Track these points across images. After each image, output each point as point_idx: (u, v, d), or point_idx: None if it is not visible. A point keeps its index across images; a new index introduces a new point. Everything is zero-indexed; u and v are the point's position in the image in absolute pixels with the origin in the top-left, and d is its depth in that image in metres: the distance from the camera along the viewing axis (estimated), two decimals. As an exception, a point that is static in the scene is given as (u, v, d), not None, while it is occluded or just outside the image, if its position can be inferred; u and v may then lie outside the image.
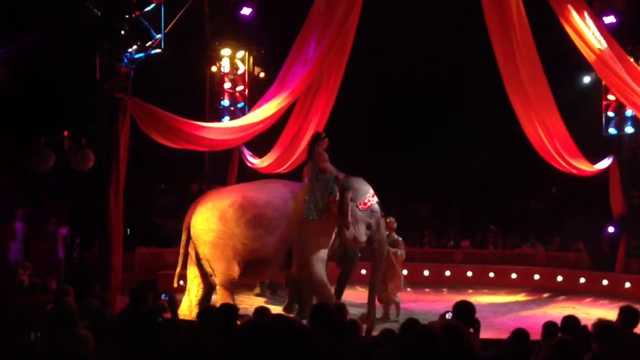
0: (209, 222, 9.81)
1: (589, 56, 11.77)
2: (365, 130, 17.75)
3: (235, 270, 9.77)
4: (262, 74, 15.58)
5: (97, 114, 10.23)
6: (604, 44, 11.50)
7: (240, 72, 15.19)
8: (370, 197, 9.99)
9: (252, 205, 9.84)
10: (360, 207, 9.83)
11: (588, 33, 11.61)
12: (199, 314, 5.13)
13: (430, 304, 11.56)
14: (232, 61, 15.10)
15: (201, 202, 10.24)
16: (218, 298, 9.71)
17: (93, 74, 10.19)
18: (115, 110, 9.99)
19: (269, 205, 9.87)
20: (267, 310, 5.57)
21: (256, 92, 14.04)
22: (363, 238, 9.94)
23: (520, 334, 4.90)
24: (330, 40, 12.34)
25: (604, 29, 11.95)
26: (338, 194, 9.77)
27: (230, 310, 5.04)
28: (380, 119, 18.15)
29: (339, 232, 9.90)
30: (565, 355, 3.32)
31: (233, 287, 9.88)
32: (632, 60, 11.99)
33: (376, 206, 10.05)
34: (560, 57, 13.50)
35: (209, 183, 15.41)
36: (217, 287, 9.86)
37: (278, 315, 1.67)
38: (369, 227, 9.96)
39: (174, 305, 6.41)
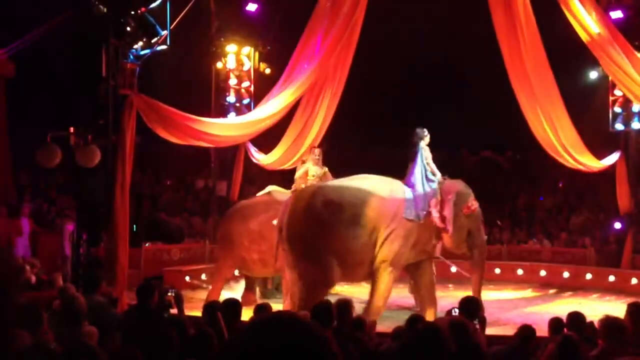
0: (305, 222, 9.33)
1: (585, 38, 11.66)
2: (371, 125, 17.74)
3: (331, 272, 9.26)
4: (267, 70, 15.57)
5: (103, 111, 10.25)
6: (604, 30, 11.45)
7: (246, 68, 15.19)
8: (473, 201, 9.60)
9: (349, 204, 9.35)
10: (464, 211, 9.48)
11: (588, 19, 11.54)
12: (204, 309, 5.13)
13: (437, 300, 11.51)
14: (237, 57, 15.09)
15: (295, 201, 9.73)
16: (304, 299, 8.96)
17: (99, 70, 10.21)
18: (121, 107, 10.00)
19: (366, 203, 9.37)
20: (268, 306, 5.56)
21: (262, 88, 14.04)
22: (464, 244, 9.64)
23: (526, 330, 4.90)
24: (337, 35, 12.33)
25: (611, 23, 11.89)
26: (440, 197, 9.39)
27: (234, 304, 5.05)
28: (386, 113, 18.13)
29: (437, 236, 9.50)
30: (570, 351, 3.31)
31: (326, 290, 9.32)
32: (639, 54, 11.91)
33: (479, 210, 9.71)
34: (567, 53, 13.44)
35: (214, 179, 15.45)
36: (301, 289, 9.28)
37: (283, 311, 1.67)
38: (469, 232, 9.64)
39: (180, 301, 6.42)
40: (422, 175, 9.62)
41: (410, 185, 9.60)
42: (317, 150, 11.33)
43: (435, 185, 9.53)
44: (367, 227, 9.26)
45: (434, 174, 9.70)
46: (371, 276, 9.59)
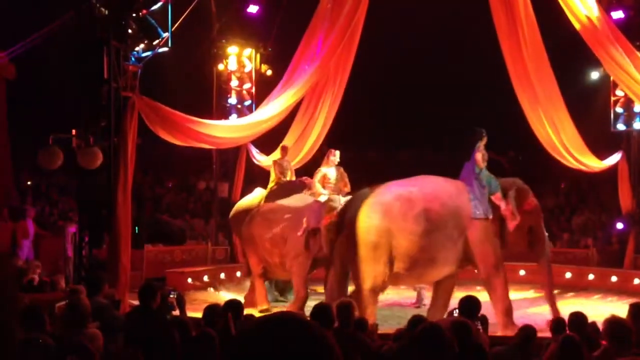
0: (372, 219, 9.14)
1: (587, 38, 11.65)
2: (373, 126, 17.75)
3: (386, 275, 9.10)
4: (269, 72, 15.59)
5: (105, 113, 10.27)
6: (605, 30, 11.44)
7: (247, 69, 15.21)
8: (532, 197, 9.55)
9: (420, 199, 9.19)
10: (524, 207, 9.39)
11: (589, 19, 11.54)
12: (205, 310, 5.13)
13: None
14: (239, 59, 15.11)
15: (356, 198, 9.64)
16: (362, 302, 8.74)
17: (101, 72, 10.22)
18: (123, 109, 10.01)
19: (436, 200, 9.23)
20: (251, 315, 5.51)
21: (263, 90, 14.06)
22: (524, 241, 9.57)
23: (527, 331, 4.90)
24: (338, 36, 12.34)
25: (612, 23, 11.89)
26: (500, 193, 9.30)
27: (236, 305, 5.06)
28: (387, 114, 18.15)
29: (500, 233, 9.39)
30: (571, 352, 3.31)
31: (379, 292, 9.33)
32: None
33: (539, 206, 9.68)
34: (568, 53, 13.44)
35: (216, 181, 15.46)
36: (361, 291, 9.14)
37: (284, 312, 1.67)
38: (530, 229, 9.54)
39: (183, 302, 6.43)
40: (476, 174, 9.48)
41: (469, 184, 9.48)
42: (336, 152, 10.95)
43: (493, 182, 9.43)
44: (437, 223, 9.13)
45: (479, 172, 9.57)
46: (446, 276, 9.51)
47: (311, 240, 10.18)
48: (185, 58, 13.80)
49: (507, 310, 9.18)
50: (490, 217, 9.28)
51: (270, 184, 11.98)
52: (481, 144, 9.70)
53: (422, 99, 17.99)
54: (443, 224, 9.12)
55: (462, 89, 17.60)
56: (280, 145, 12.48)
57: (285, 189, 11.60)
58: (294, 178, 12.09)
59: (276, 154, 12.76)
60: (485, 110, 16.46)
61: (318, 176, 10.92)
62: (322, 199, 10.44)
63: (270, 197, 11.61)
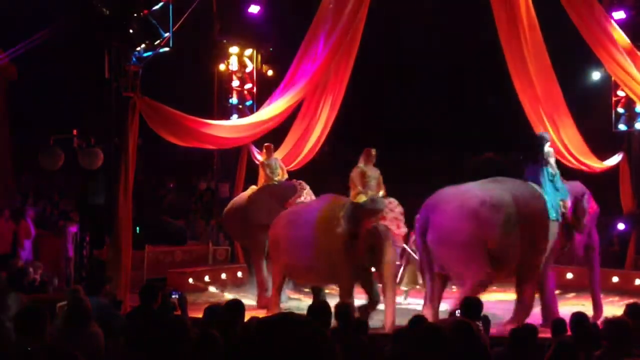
0: (459, 221, 8.99)
1: (588, 39, 11.66)
2: (373, 126, 17.73)
3: (487, 271, 9.00)
4: (270, 72, 15.60)
5: (106, 113, 10.28)
6: (606, 31, 11.47)
7: (248, 70, 15.23)
8: (593, 202, 9.90)
9: (504, 203, 9.15)
10: (589, 211, 9.66)
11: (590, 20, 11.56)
12: (205, 310, 5.12)
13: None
14: (240, 59, 15.12)
15: (440, 200, 9.42)
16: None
17: (102, 73, 10.24)
18: (124, 109, 10.02)
19: (519, 203, 9.22)
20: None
21: (264, 90, 14.07)
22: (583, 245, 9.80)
23: (525, 331, 4.76)
24: (339, 36, 12.34)
25: (613, 24, 11.88)
26: (569, 199, 9.53)
27: (236, 306, 5.05)
28: (388, 114, 18.15)
29: (568, 236, 9.63)
30: (564, 355, 3.31)
31: (483, 290, 9.06)
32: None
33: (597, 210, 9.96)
34: (570, 53, 13.42)
35: (217, 181, 15.47)
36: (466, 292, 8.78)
37: (285, 312, 1.68)
38: (589, 233, 9.83)
39: (184, 303, 6.43)
40: (547, 177, 9.63)
41: (541, 186, 9.61)
42: (373, 151, 10.38)
43: (563, 186, 9.62)
44: (521, 226, 9.15)
45: (553, 175, 9.76)
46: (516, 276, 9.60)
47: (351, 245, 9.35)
48: (186, 58, 13.81)
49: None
50: (561, 220, 9.48)
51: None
52: (547, 147, 9.91)
53: (420, 98, 18.00)
54: (524, 226, 9.16)
55: (462, 88, 17.59)
56: (264, 145, 12.26)
57: (274, 189, 11.60)
58: (286, 176, 12.06)
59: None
60: (487, 111, 16.48)
61: (356, 173, 10.04)
62: (361, 198, 9.68)
63: (261, 194, 11.59)
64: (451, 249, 8.98)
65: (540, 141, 10.09)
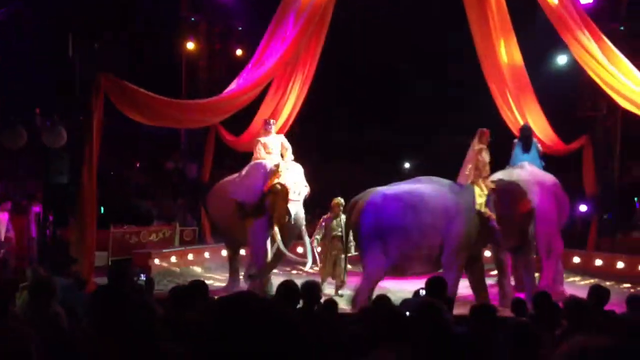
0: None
1: (555, 23, 11.81)
2: (344, 108, 17.75)
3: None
4: (239, 51, 15.44)
5: (70, 91, 10.07)
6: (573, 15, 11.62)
7: (217, 48, 15.05)
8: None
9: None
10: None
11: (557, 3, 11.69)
12: (170, 292, 5.08)
13: (401, 283, 11.52)
14: (209, 38, 14.93)
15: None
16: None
17: (66, 50, 10.02)
18: (89, 87, 9.81)
19: (534, 192, 10.62)
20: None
21: (233, 69, 13.92)
22: None
23: (480, 310, 4.70)
24: (309, 16, 12.23)
25: (580, 8, 12.01)
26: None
27: (201, 286, 5.05)
28: (360, 97, 18.16)
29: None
30: (521, 337, 3.39)
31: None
32: (607, 40, 12.03)
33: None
34: (537, 37, 13.54)
35: (184, 161, 15.33)
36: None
37: (244, 291, 1.68)
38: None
39: (151, 285, 6.38)
40: (540, 165, 11.38)
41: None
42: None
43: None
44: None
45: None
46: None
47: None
48: (154, 36, 13.59)
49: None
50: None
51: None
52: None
53: (392, 79, 18.05)
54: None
55: (433, 70, 17.67)
56: (264, 120, 11.77)
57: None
58: (291, 157, 11.19)
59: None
60: (458, 94, 16.61)
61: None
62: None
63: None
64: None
65: (527, 132, 11.78)
